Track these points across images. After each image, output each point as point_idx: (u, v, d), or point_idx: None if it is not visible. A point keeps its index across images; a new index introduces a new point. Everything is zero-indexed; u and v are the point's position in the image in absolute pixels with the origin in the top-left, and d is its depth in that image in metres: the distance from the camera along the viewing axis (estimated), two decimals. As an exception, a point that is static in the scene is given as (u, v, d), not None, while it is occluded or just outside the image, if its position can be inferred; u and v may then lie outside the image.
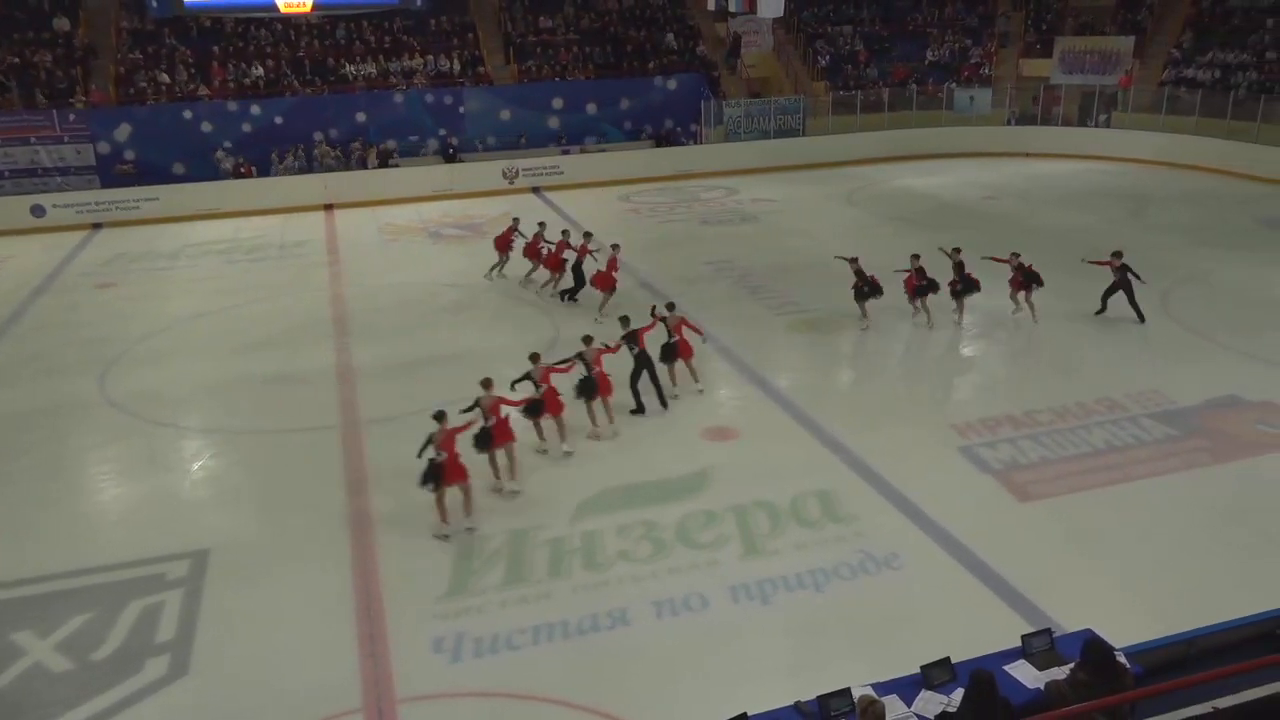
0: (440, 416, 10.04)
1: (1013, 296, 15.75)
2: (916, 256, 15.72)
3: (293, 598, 9.13)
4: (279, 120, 28.24)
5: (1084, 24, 33.70)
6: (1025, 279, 15.49)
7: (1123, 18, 33.40)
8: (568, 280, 17.39)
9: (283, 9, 27.52)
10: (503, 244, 18.66)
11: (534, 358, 11.78)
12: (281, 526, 10.44)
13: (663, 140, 31.18)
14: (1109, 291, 15.39)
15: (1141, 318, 15.31)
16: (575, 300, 17.26)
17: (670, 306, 13.60)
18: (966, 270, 15.66)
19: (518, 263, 18.56)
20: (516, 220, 18.92)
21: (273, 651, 8.40)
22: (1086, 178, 27.88)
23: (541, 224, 18.68)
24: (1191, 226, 21.87)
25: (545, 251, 17.79)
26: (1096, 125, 31.38)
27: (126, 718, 7.64)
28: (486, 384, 10.99)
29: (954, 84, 33.30)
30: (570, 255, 17.30)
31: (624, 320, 12.97)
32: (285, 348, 15.85)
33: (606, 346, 12.33)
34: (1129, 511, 10.15)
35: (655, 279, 18.80)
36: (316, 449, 12.19)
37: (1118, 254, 15.27)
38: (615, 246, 16.72)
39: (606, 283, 16.40)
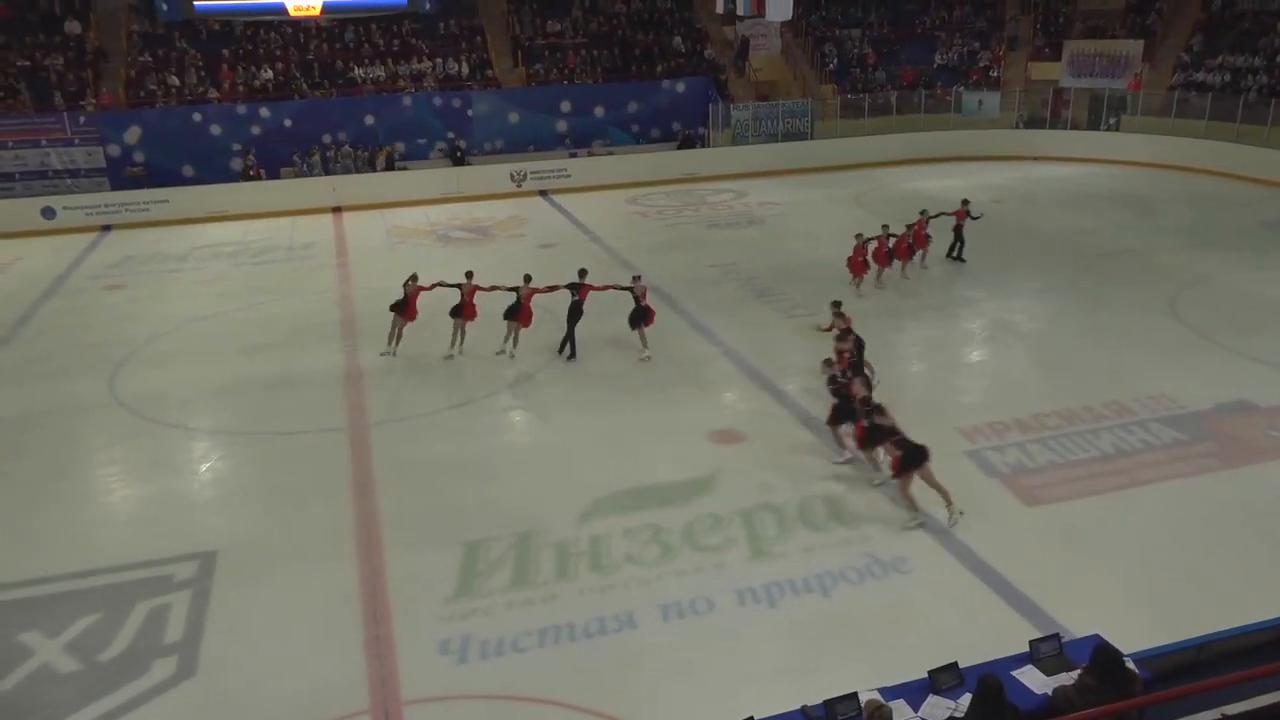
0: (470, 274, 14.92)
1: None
2: (885, 226, 17.67)
3: (300, 599, 9.14)
4: (288, 123, 28.34)
5: (1093, 27, 33.62)
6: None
7: (1132, 21, 33.31)
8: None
9: (292, 12, 27.68)
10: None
11: (526, 278, 14.89)
12: (289, 528, 10.46)
13: (685, 143, 31.09)
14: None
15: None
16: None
17: (636, 278, 15.36)
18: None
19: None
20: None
21: (279, 653, 8.41)
22: (1094, 181, 27.80)
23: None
24: (1199, 230, 21.79)
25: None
26: (1105, 129, 31.28)
27: (133, 719, 7.65)
28: (469, 274, 15.08)
29: (962, 87, 33.24)
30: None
31: (581, 272, 15.12)
32: (293, 349, 15.89)
33: (549, 288, 14.89)
34: (1137, 516, 10.10)
35: (662, 281, 18.78)
36: (324, 451, 12.21)
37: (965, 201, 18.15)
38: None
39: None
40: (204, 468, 12.14)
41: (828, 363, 11.91)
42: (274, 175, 27.64)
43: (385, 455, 12.02)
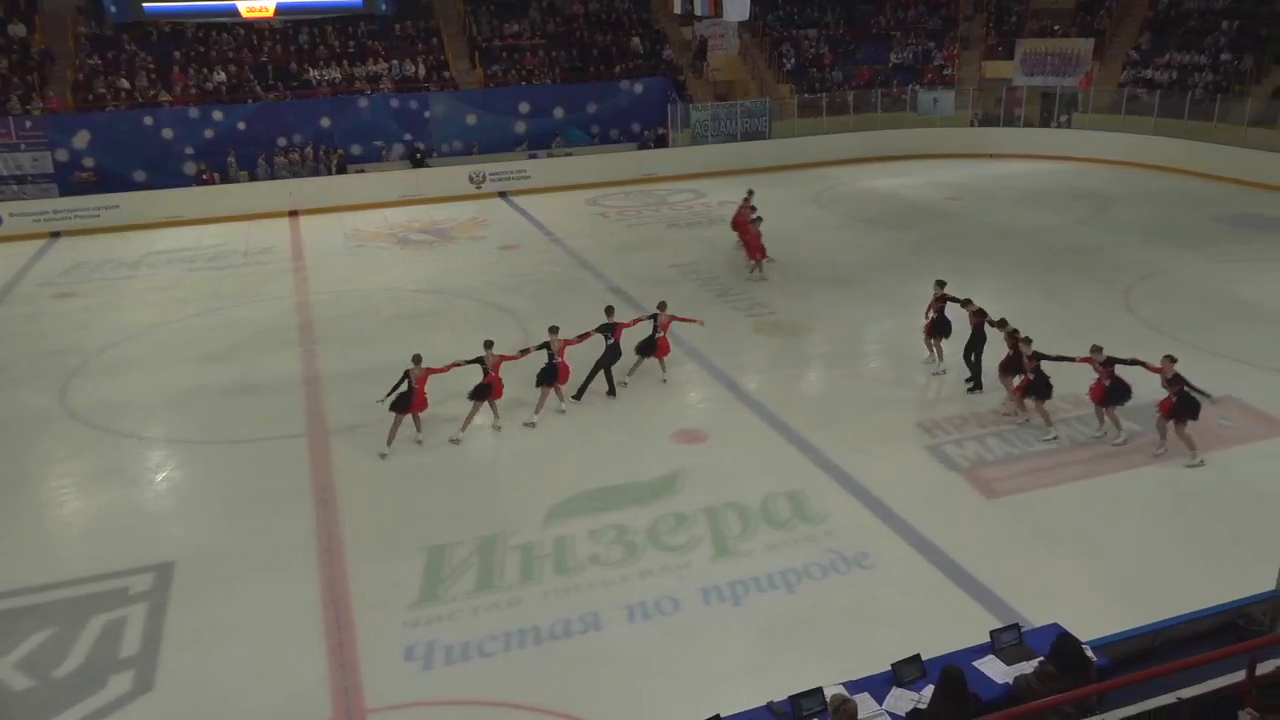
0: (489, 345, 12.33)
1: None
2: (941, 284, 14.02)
3: (260, 609, 9.01)
4: (242, 126, 27.93)
5: (1044, 26, 34.14)
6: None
7: (1082, 20, 33.88)
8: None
9: (244, 13, 27.31)
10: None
11: (553, 330, 12.94)
12: (248, 537, 10.31)
13: (645, 144, 31.09)
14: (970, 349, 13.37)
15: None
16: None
17: (662, 305, 14.00)
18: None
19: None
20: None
21: (240, 664, 8.29)
22: (1048, 177, 28.23)
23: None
24: (1150, 225, 22.20)
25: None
26: (1058, 126, 31.81)
27: (90, 735, 7.51)
28: (489, 345, 12.50)
29: (918, 86, 33.61)
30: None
31: (608, 310, 13.70)
32: (250, 356, 15.67)
33: (580, 337, 13.24)
34: (1094, 507, 10.28)
35: (624, 282, 18.80)
36: (283, 458, 12.06)
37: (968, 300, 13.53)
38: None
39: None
40: (160, 477, 11.93)
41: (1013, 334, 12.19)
42: (228, 179, 27.23)
43: (346, 462, 11.90)
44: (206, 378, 14.78)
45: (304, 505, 10.87)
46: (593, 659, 8.18)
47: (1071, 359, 11.74)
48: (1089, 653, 6.38)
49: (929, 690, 6.14)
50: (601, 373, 13.48)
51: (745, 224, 19.58)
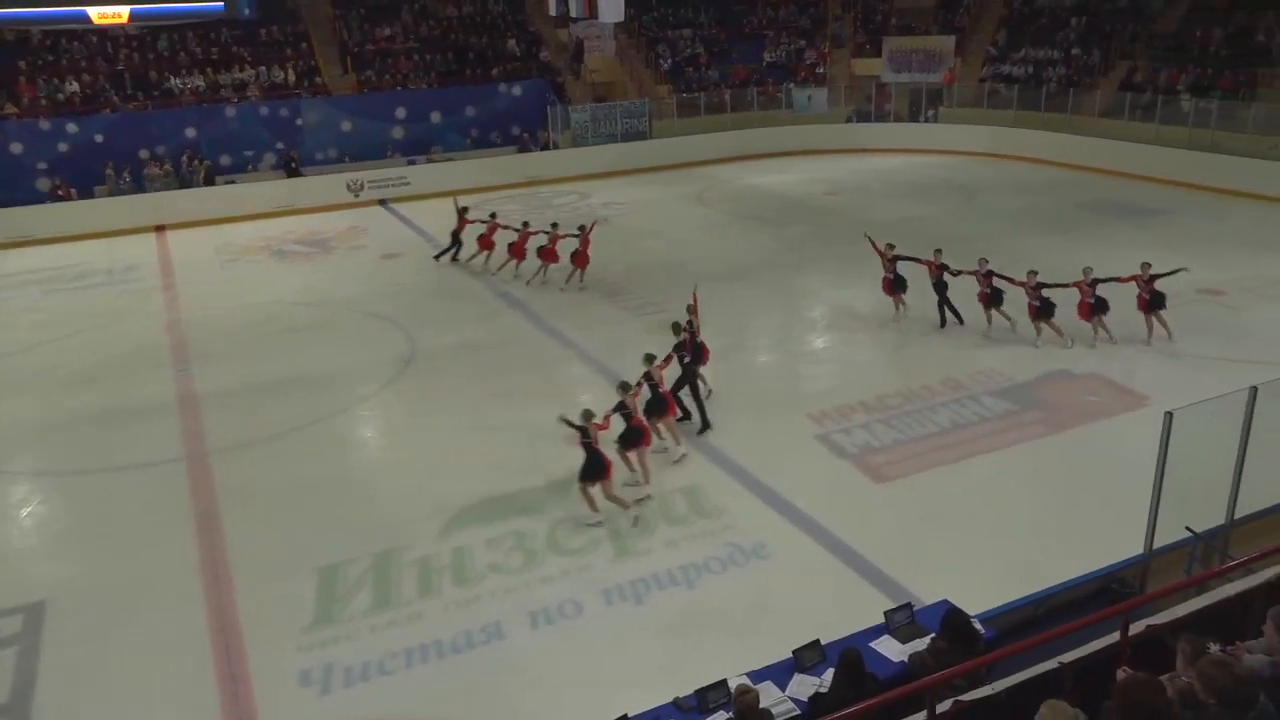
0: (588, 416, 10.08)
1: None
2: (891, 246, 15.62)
3: (143, 645, 8.58)
4: (99, 138, 26.55)
5: (907, 25, 35.40)
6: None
7: (943, 18, 35.26)
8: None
9: (96, 20, 25.95)
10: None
11: (649, 358, 11.36)
12: (125, 570, 9.80)
13: (526, 147, 30.85)
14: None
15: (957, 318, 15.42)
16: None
17: (689, 320, 12.76)
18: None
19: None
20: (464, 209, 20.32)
21: (124, 705, 7.88)
22: (920, 171, 29.28)
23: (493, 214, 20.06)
24: (1016, 213, 23.26)
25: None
26: (926, 120, 33.04)
27: (-42, 792, 7.02)
28: (625, 387, 10.80)
29: (792, 84, 34.39)
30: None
31: (675, 328, 12.45)
32: (119, 379, 14.91)
33: (667, 359, 11.71)
34: (976, 485, 10.71)
35: (512, 285, 18.65)
36: (160, 484, 11.51)
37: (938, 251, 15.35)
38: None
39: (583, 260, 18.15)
40: (25, 513, 11.22)
41: None
42: (87, 194, 25.83)
43: (228, 483, 11.43)
44: (73, 404, 13.99)
45: (185, 532, 10.39)
46: (497, 669, 8.08)
47: (1012, 280, 14.53)
48: (977, 625, 6.64)
49: (829, 674, 6.29)
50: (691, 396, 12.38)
51: (490, 240, 19.39)
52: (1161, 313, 14.23)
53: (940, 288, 15.28)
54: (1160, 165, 25.90)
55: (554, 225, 18.85)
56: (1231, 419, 8.10)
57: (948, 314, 15.43)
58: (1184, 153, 25.63)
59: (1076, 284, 14.26)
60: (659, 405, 11.26)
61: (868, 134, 32.91)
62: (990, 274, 14.72)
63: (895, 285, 15.68)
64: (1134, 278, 14.16)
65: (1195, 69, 27.98)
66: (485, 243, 19.53)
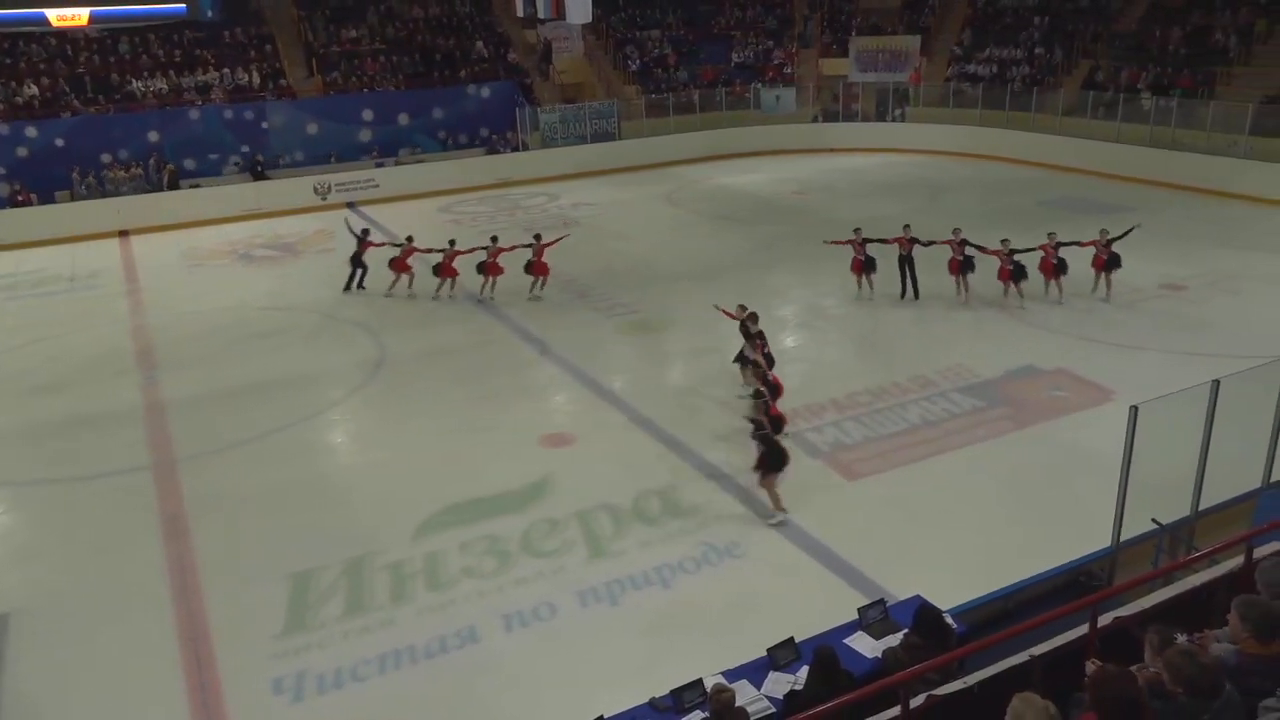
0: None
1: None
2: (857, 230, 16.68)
3: (111, 655, 8.45)
4: (60, 142, 26.13)
5: (873, 25, 35.66)
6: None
7: (908, 18, 35.57)
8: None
9: (55, 22, 25.59)
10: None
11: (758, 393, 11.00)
12: (91, 580, 9.65)
13: (495, 149, 30.71)
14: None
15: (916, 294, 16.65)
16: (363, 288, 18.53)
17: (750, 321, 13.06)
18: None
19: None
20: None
21: (93, 715, 7.77)
22: (887, 169, 29.51)
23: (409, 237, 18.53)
24: (981, 210, 23.45)
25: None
26: (892, 120, 33.30)
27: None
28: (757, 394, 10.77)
29: (760, 84, 34.53)
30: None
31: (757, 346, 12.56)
32: (84, 387, 14.69)
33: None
34: (946, 481, 10.80)
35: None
36: (127, 493, 11.35)
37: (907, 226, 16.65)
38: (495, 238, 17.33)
39: (495, 270, 17.58)
40: (-13, 524, 11.04)
41: None
42: (48, 199, 25.41)
43: (197, 491, 11.30)
44: (37, 413, 13.77)
45: (153, 540, 10.25)
46: (472, 673, 8.04)
47: (984, 249, 15.88)
48: (949, 620, 6.70)
49: (804, 671, 6.32)
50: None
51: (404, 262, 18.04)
52: (1114, 274, 15.91)
53: (906, 261, 16.46)
54: (1122, 163, 26.31)
55: (494, 239, 17.79)
56: (1195, 412, 8.23)
57: (908, 286, 16.56)
58: (1145, 150, 26.03)
59: (1043, 246, 15.78)
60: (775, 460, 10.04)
61: (835, 133, 33.11)
62: (964, 242, 16.02)
63: (865, 265, 16.64)
64: (1093, 242, 15.90)
65: (1155, 68, 28.43)
66: (400, 265, 18.01)
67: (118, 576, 9.69)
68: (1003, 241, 15.79)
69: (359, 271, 18.57)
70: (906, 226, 16.52)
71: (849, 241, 16.57)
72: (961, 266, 16.08)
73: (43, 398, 14.33)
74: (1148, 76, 28.32)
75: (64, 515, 11.05)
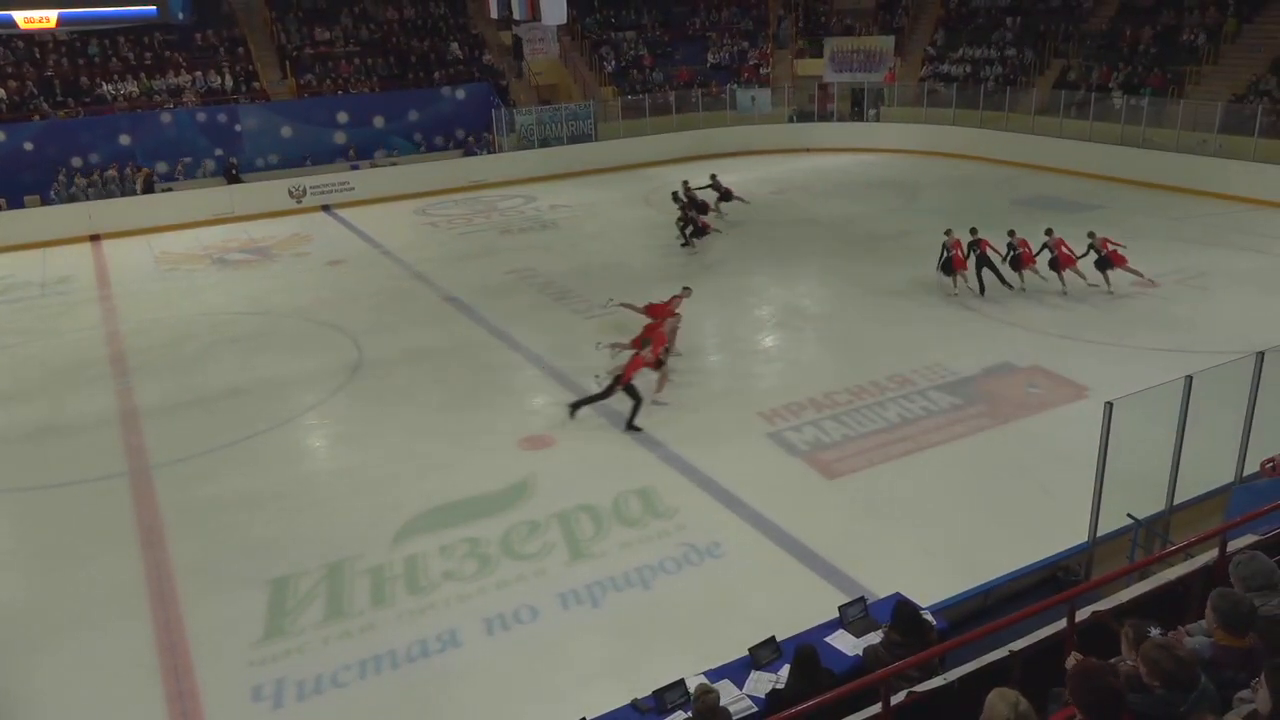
0: None
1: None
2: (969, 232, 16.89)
3: (86, 666, 8.35)
4: (28, 146, 25.82)
5: (847, 25, 35.84)
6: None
7: (882, 19, 35.78)
8: None
9: (22, 24, 25.27)
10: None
11: None
12: (66, 591, 9.53)
13: (471, 150, 30.61)
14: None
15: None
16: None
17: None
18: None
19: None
20: None
21: (67, 727, 7.67)
22: (862, 169, 29.65)
23: None
24: (957, 210, 23.58)
25: None
26: (867, 120, 33.48)
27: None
28: None
29: (736, 85, 34.62)
30: None
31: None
32: (56, 394, 14.52)
33: None
34: (925, 478, 10.86)
35: (460, 291, 18.51)
36: (101, 502, 11.22)
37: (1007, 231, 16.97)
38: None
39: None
40: (-41, 534, 10.88)
41: None
42: (16, 204, 25.09)
43: (173, 498, 11.19)
44: (8, 420, 13.60)
45: (129, 548, 10.15)
46: (453, 677, 8.01)
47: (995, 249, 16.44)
48: (929, 617, 6.75)
49: (785, 670, 6.34)
50: None
51: None
52: (1110, 272, 16.37)
53: (983, 260, 16.77)
54: (1094, 161, 26.59)
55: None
56: (1168, 408, 8.32)
57: (984, 283, 16.82)
58: (1116, 149, 26.30)
59: (1058, 242, 16.61)
60: None
61: (811, 134, 33.25)
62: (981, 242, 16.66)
63: (964, 261, 16.89)
64: (1105, 242, 16.49)
65: (1126, 67, 28.75)
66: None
67: (94, 584, 9.57)
68: (1010, 233, 16.68)
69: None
70: (974, 230, 16.89)
71: (957, 243, 16.72)
72: (979, 263, 16.60)
73: (14, 405, 14.15)
74: (1119, 76, 28.63)
75: (38, 524, 10.92)
